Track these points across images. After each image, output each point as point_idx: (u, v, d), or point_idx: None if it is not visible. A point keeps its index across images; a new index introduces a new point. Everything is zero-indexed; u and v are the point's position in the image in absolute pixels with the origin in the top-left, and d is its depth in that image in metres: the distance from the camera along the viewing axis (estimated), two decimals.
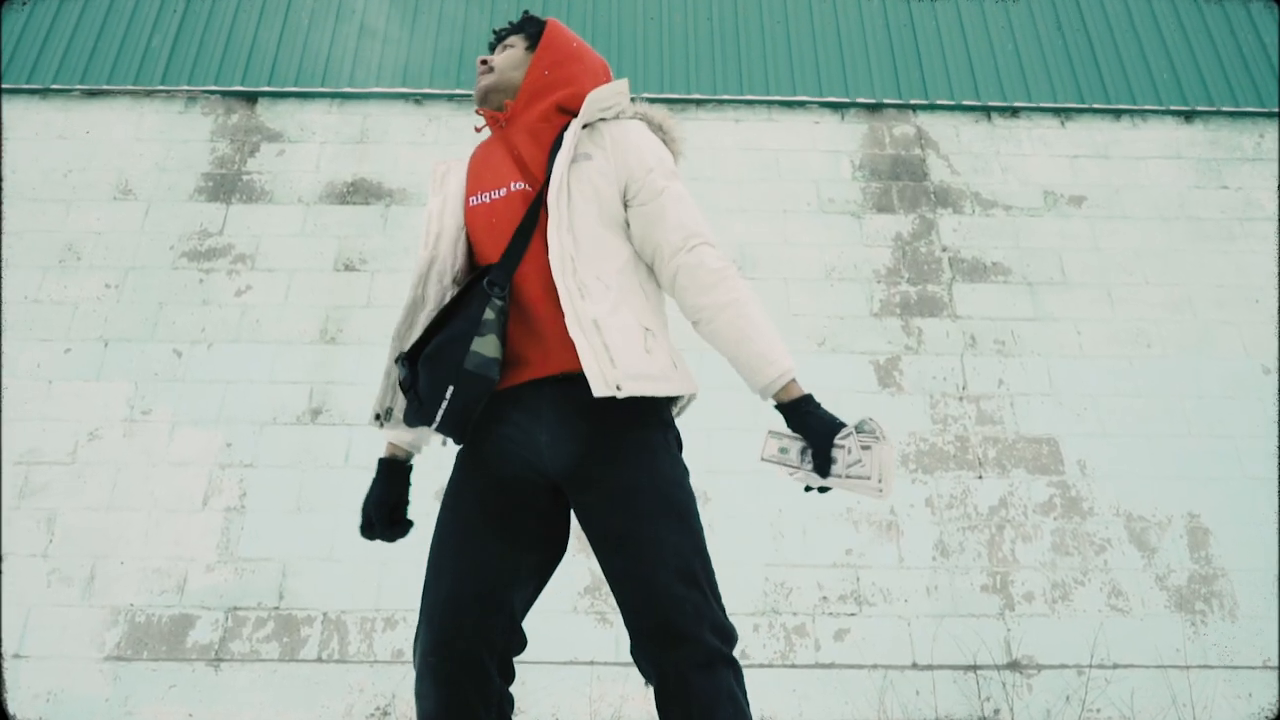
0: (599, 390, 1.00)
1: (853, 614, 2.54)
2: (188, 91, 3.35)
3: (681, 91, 3.38)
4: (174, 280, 2.98)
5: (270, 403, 2.78)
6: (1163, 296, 3.06)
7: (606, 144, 1.18)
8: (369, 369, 2.84)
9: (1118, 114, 3.44)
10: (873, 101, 3.42)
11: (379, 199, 3.16)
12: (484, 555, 1.04)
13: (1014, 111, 3.45)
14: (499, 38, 1.32)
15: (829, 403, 3.01)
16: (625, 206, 1.17)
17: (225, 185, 3.18)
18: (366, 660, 2.44)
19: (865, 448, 1.08)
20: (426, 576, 1.04)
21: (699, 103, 3.39)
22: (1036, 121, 3.44)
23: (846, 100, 3.41)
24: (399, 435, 1.25)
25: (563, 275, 1.07)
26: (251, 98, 3.37)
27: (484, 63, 1.28)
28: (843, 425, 1.08)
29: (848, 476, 1.07)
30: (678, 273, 1.13)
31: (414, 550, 2.57)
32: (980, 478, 2.76)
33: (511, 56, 1.28)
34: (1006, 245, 3.17)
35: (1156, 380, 2.90)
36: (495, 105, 1.27)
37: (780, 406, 1.10)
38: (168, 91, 3.35)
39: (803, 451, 1.10)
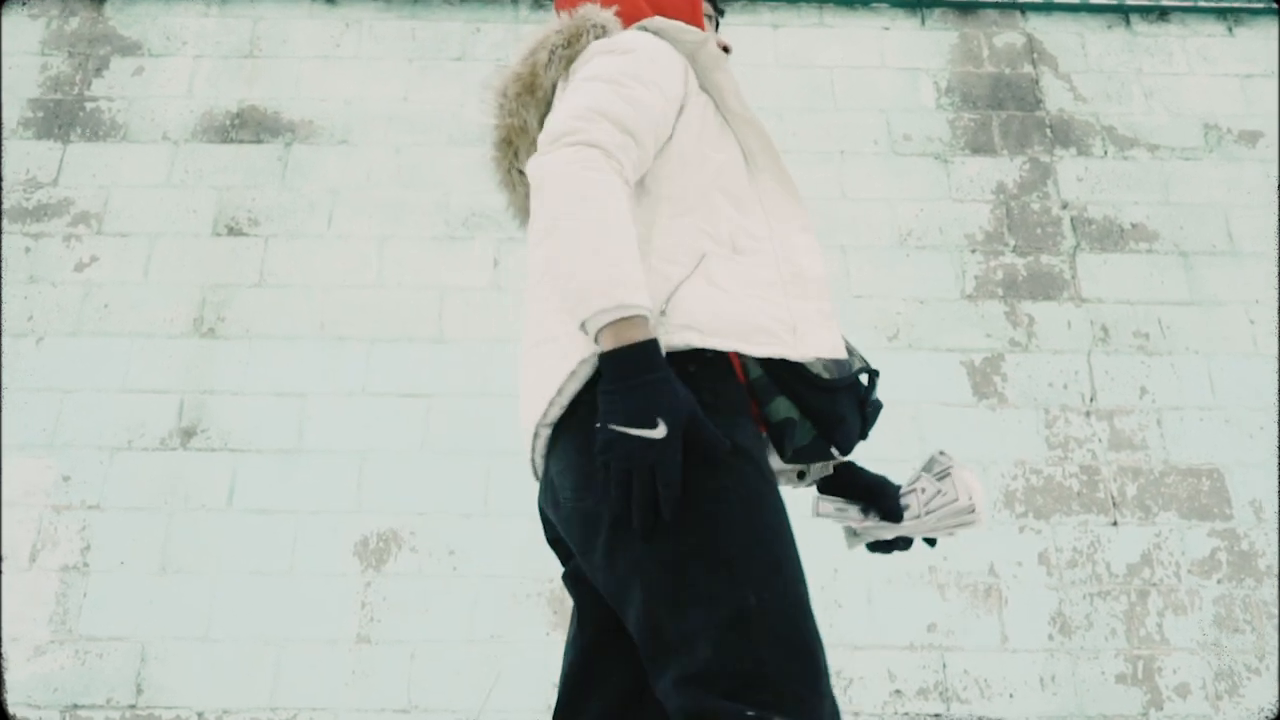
0: None
1: (938, 715, 2.53)
2: None
3: None
4: None
5: (124, 419, 2.78)
6: None
7: None
8: (262, 373, 2.84)
9: None
10: None
11: (275, 135, 3.16)
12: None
13: (1162, 13, 3.44)
14: None
15: (907, 418, 3.00)
16: None
17: (61, 116, 3.17)
18: None
19: (942, 476, 1.27)
20: (802, 590, 1.08)
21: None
22: (1193, 27, 3.42)
23: None
24: None
25: None
26: None
27: None
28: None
29: (928, 513, 1.25)
30: None
31: (320, 630, 2.58)
32: (1115, 524, 2.75)
33: None
34: (1152, 200, 3.16)
35: None
36: None
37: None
38: None
39: (864, 509, 1.29)
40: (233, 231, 3.02)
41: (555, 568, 2.66)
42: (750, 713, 0.96)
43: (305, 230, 3.02)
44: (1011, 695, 2.56)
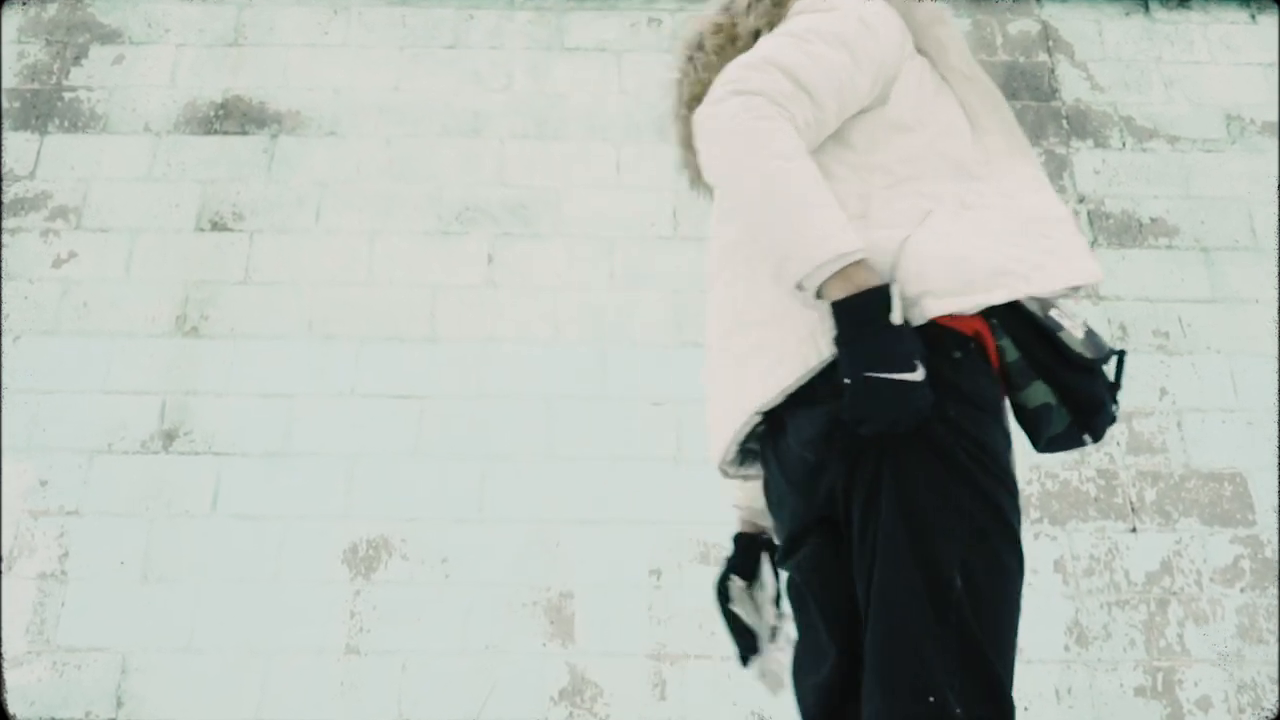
0: None
1: None
2: None
3: None
4: None
5: (104, 422, 2.77)
6: None
7: None
8: (247, 373, 2.83)
9: None
10: None
11: (261, 127, 3.15)
12: None
13: (1182, 0, 3.43)
14: None
15: None
16: None
17: (39, 107, 3.16)
18: None
19: None
20: (1006, 633, 1.07)
21: None
22: (1215, 14, 3.42)
23: None
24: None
25: None
26: None
27: None
28: None
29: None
30: None
31: (308, 640, 2.57)
32: (1134, 531, 2.75)
33: None
34: (1172, 193, 3.15)
35: None
36: None
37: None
38: None
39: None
40: (217, 226, 3.02)
41: (552, 575, 2.66)
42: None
43: (292, 225, 3.01)
44: (1026, 708, 2.55)
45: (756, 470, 1.35)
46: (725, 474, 1.35)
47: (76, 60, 3.23)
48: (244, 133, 3.14)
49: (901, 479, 1.06)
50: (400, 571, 2.63)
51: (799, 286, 1.07)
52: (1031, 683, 2.56)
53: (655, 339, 2.89)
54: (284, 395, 2.80)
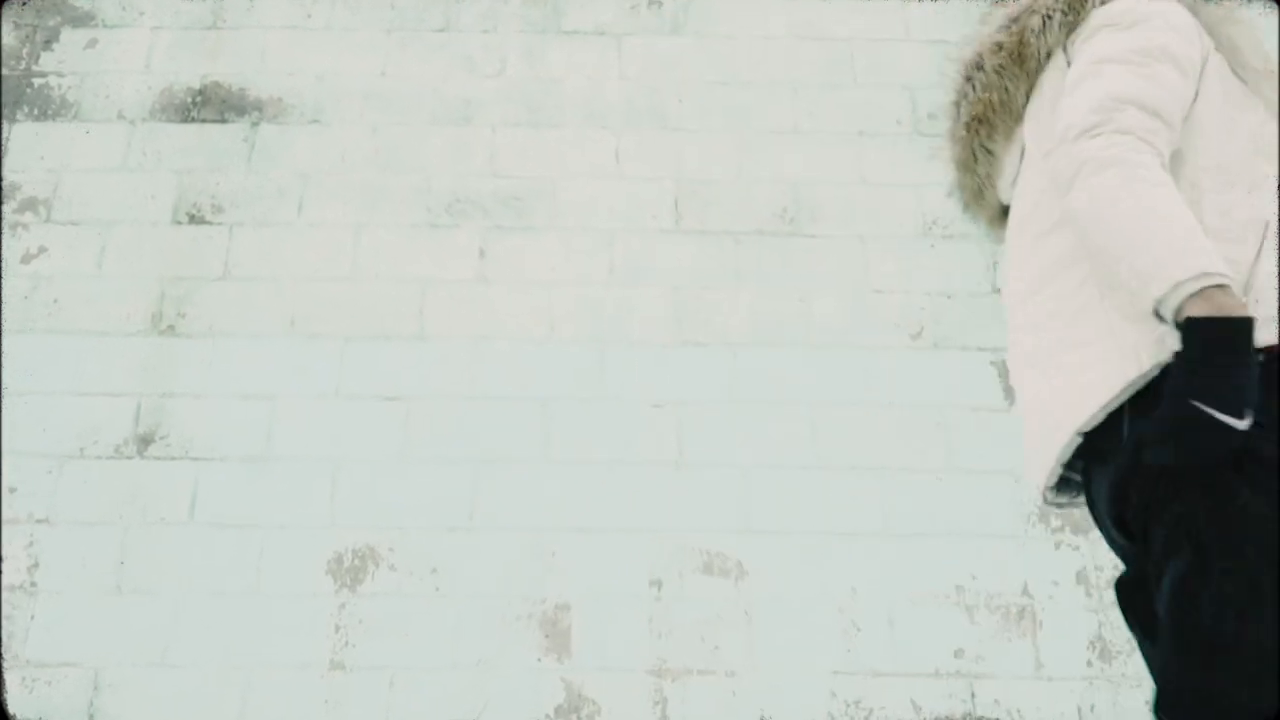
0: None
1: None
2: None
3: None
4: None
5: (76, 425, 2.76)
6: None
7: None
8: (226, 374, 2.82)
9: None
10: None
11: (241, 115, 3.14)
12: None
13: None
14: None
15: (932, 423, 2.97)
16: None
17: (6, 93, 3.16)
18: None
19: None
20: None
21: None
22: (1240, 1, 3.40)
23: None
24: None
25: None
26: None
27: None
28: None
29: None
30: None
31: (290, 655, 2.55)
32: None
33: None
34: None
35: None
36: None
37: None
38: None
39: None
40: (194, 219, 3.01)
41: (547, 586, 2.65)
42: None
43: (274, 218, 3.01)
44: None
45: (1077, 498, 1.38)
46: (1047, 502, 1.38)
47: (47, 44, 3.23)
48: (223, 121, 3.14)
49: (1190, 513, 1.07)
50: (387, 582, 2.63)
51: (1158, 313, 1.08)
52: (1052, 700, 2.56)
53: (656, 337, 2.88)
54: (265, 397, 2.80)
